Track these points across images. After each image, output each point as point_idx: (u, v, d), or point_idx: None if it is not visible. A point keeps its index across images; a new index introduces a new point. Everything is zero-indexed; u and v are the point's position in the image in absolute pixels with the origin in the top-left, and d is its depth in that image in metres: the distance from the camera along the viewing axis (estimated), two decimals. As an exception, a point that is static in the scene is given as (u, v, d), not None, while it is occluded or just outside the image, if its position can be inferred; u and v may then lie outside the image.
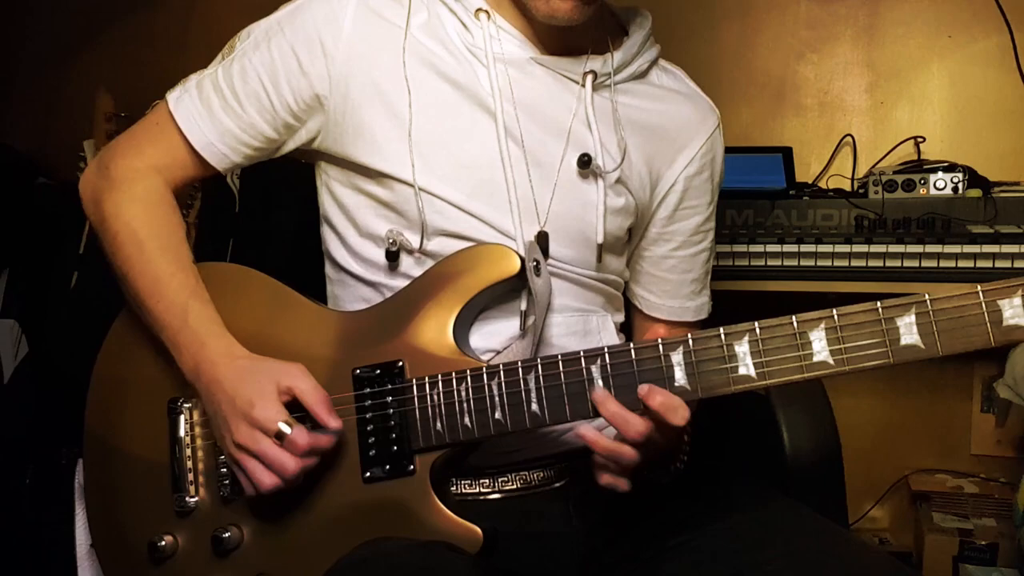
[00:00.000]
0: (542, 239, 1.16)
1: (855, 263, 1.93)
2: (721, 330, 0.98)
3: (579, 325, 1.21)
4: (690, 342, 0.99)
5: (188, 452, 1.16)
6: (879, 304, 0.94)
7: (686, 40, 2.36)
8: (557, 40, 1.19)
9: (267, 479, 1.06)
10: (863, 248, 1.93)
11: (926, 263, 1.90)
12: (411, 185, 1.14)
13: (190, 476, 1.16)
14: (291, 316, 1.17)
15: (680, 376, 0.99)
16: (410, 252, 1.17)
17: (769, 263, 1.97)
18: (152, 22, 2.74)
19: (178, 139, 1.20)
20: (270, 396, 1.06)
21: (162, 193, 1.21)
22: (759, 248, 1.97)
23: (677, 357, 0.99)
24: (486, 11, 1.17)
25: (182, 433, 1.17)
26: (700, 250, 1.32)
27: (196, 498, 1.16)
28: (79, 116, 2.36)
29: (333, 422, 1.06)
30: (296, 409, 1.07)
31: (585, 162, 1.17)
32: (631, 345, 1.01)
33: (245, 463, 1.07)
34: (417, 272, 1.15)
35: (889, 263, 1.92)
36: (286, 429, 1.04)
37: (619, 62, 1.22)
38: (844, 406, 1.59)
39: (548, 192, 1.17)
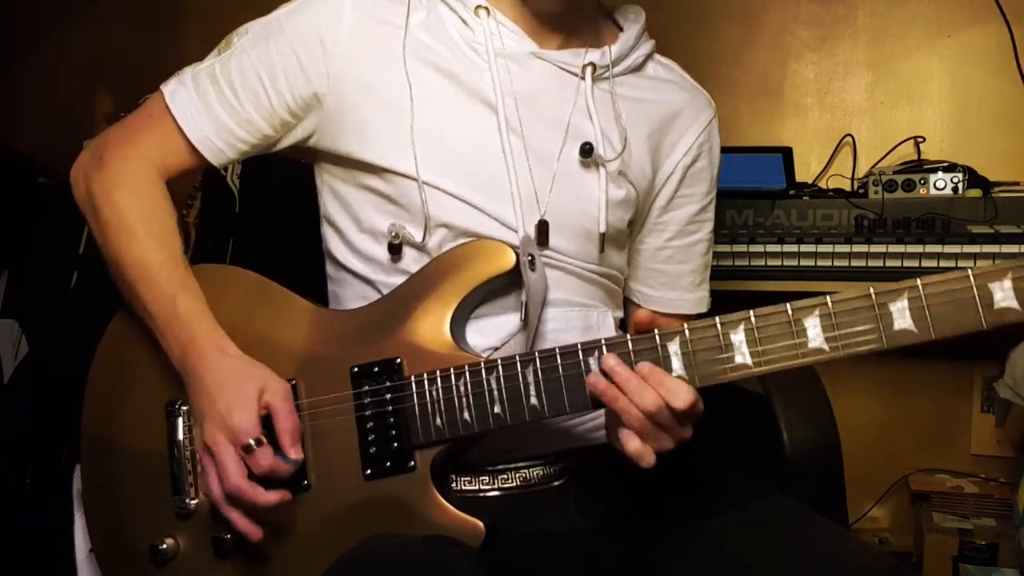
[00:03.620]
0: (542, 227, 1.16)
1: (855, 263, 1.94)
2: (717, 319, 0.98)
3: (579, 320, 1.21)
4: (686, 332, 0.99)
5: (187, 454, 1.16)
6: (872, 289, 0.95)
7: (686, 40, 2.36)
8: (556, 35, 1.20)
9: (215, 488, 1.07)
10: (863, 248, 1.93)
11: (926, 263, 1.90)
12: (413, 179, 1.14)
13: (189, 478, 1.15)
14: (287, 315, 1.17)
15: (677, 366, 0.99)
16: (413, 245, 1.17)
17: (769, 263, 1.98)
18: (153, 21, 2.74)
19: (173, 131, 1.20)
20: (250, 406, 1.07)
21: (153, 181, 1.20)
22: (759, 248, 1.98)
23: (674, 347, 0.99)
24: (485, 8, 1.18)
25: (181, 435, 1.16)
26: (696, 240, 1.32)
27: (196, 500, 1.15)
28: (79, 116, 2.36)
29: (293, 453, 1.07)
30: (269, 424, 1.08)
31: (587, 151, 1.18)
32: (628, 337, 1.01)
33: (205, 464, 1.09)
34: (418, 266, 1.16)
35: (889, 263, 1.92)
36: (254, 445, 1.05)
37: (616, 54, 1.23)
38: (844, 406, 1.59)
39: (548, 183, 1.18)
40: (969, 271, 0.92)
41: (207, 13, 2.65)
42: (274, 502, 1.06)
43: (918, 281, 0.94)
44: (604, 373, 0.99)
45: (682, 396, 0.96)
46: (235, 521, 1.08)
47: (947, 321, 0.93)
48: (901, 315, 0.94)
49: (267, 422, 1.08)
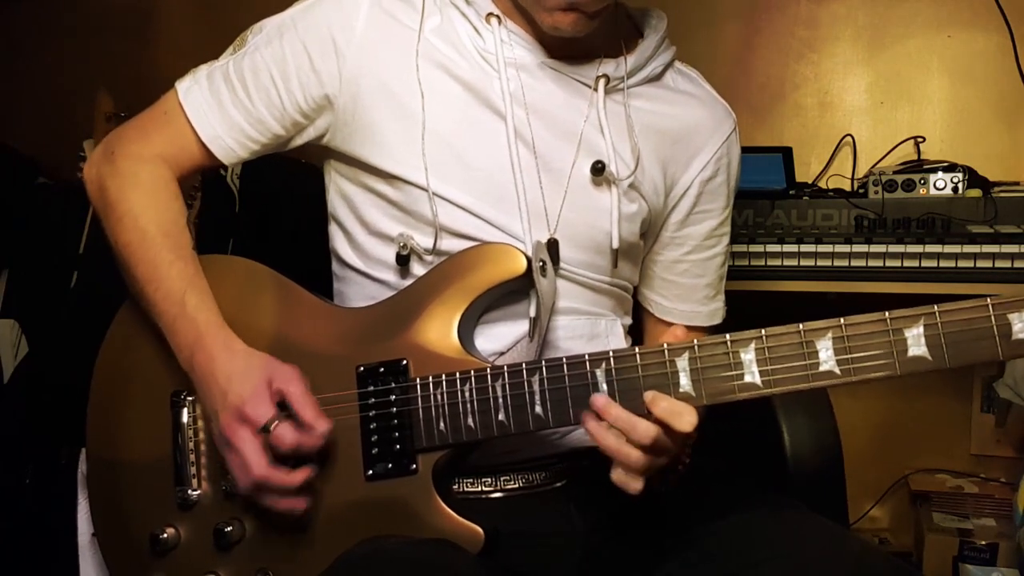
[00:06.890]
0: (552, 247, 1.15)
1: (855, 263, 1.93)
2: (727, 337, 0.98)
3: (587, 329, 1.20)
4: (696, 348, 0.98)
5: (191, 445, 1.16)
6: (887, 314, 0.93)
7: (686, 40, 2.34)
8: (568, 45, 1.18)
9: (242, 479, 1.07)
10: (863, 248, 1.93)
11: (926, 263, 1.90)
12: (423, 188, 1.13)
13: (192, 469, 1.16)
14: (295, 311, 1.17)
15: (685, 382, 0.98)
16: (420, 256, 1.16)
17: (769, 263, 1.97)
18: (152, 21, 2.74)
19: (186, 129, 1.20)
20: (262, 394, 1.07)
21: (167, 181, 1.21)
22: (759, 248, 1.97)
23: (683, 363, 0.98)
24: (497, 16, 1.17)
25: (185, 426, 1.17)
26: (713, 254, 1.31)
27: (199, 491, 1.16)
28: (79, 116, 2.36)
29: (321, 424, 1.06)
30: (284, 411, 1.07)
31: (599, 169, 1.16)
32: (636, 350, 1.00)
33: (228, 459, 1.08)
34: None
35: (889, 263, 1.92)
36: (273, 424, 1.05)
37: (632, 66, 1.21)
38: (844, 406, 1.59)
39: (559, 198, 1.17)
40: (989, 300, 0.90)
41: (213, 18, 2.66)
42: (302, 480, 1.06)
43: (935, 307, 0.92)
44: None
45: (686, 419, 0.95)
46: (275, 504, 1.07)
47: (963, 350, 0.91)
48: (916, 342, 0.92)
49: (283, 409, 1.08)
